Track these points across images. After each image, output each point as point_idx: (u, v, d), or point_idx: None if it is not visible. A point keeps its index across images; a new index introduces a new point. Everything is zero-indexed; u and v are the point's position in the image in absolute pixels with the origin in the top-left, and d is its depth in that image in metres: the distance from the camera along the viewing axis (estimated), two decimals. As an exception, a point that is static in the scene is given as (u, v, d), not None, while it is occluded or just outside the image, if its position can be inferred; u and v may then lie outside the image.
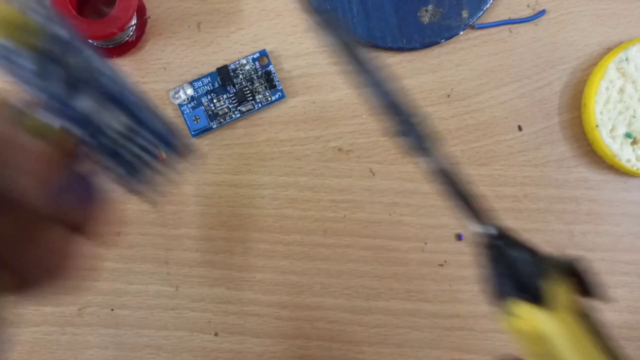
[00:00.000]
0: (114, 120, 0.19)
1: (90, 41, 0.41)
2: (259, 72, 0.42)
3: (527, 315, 0.21)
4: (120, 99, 0.19)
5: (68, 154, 0.19)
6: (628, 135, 0.41)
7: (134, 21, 0.40)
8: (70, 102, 0.19)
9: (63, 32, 0.19)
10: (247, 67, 0.42)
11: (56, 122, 0.19)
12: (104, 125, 0.19)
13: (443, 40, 0.42)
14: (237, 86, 0.42)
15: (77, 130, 0.19)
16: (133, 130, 0.19)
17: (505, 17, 0.43)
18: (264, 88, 0.42)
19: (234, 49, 0.42)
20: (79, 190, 0.20)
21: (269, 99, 0.42)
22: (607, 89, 0.41)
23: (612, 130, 0.41)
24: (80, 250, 0.20)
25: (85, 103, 0.19)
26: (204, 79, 0.42)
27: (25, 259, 0.18)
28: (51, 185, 0.19)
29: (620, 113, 0.42)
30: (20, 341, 0.41)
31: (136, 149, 0.19)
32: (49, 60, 0.18)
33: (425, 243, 0.42)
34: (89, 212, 0.21)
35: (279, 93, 0.42)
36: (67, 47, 0.19)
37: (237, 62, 0.42)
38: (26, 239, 0.19)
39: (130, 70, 0.42)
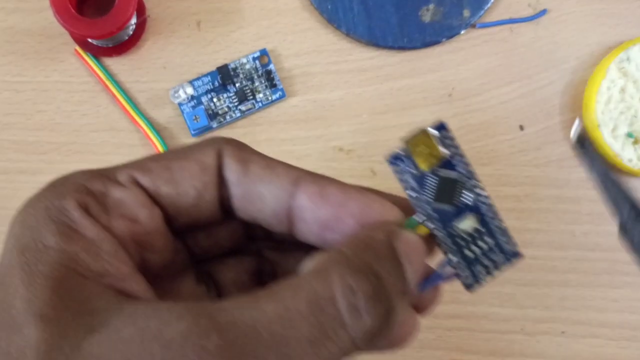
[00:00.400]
0: (467, 224, 0.22)
1: (89, 40, 0.41)
2: (260, 71, 0.42)
3: None
4: (477, 208, 0.22)
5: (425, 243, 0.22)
6: (629, 135, 0.41)
7: (133, 20, 0.40)
8: (453, 221, 0.22)
9: (461, 169, 0.22)
10: (248, 66, 0.42)
11: (420, 217, 0.22)
12: (456, 227, 0.22)
13: (444, 40, 0.42)
14: (237, 85, 0.42)
15: (430, 224, 0.22)
16: (479, 233, 0.22)
17: (506, 16, 0.43)
18: (264, 87, 0.42)
19: (234, 47, 0.42)
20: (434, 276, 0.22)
21: (270, 98, 0.42)
22: (608, 88, 0.41)
23: (613, 130, 0.41)
24: (418, 324, 0.22)
25: (467, 224, 0.22)
26: (204, 78, 0.42)
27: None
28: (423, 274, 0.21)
29: (621, 113, 0.41)
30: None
31: (475, 248, 0.22)
32: (446, 185, 0.22)
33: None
34: (434, 293, 0.23)
35: (279, 92, 0.42)
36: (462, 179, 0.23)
37: (238, 61, 0.42)
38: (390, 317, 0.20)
39: (130, 69, 0.42)
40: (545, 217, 0.42)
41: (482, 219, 0.22)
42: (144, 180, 0.21)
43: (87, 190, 0.20)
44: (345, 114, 0.42)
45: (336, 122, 0.42)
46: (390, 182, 0.42)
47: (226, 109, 0.42)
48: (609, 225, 0.42)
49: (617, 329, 0.42)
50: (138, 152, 0.42)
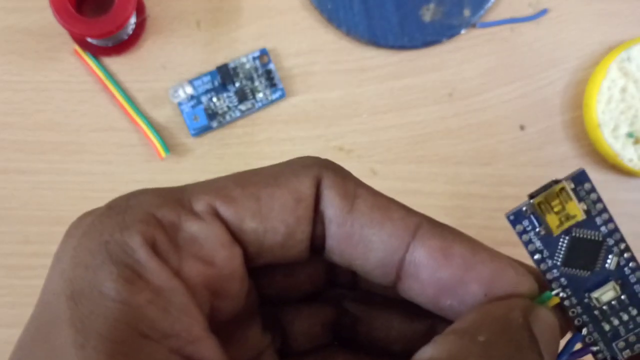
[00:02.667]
0: (608, 295, 0.19)
1: (89, 39, 0.41)
2: (259, 71, 0.42)
3: None
4: (621, 274, 0.19)
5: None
6: (630, 134, 0.41)
7: (133, 19, 0.40)
8: (590, 290, 0.19)
9: (602, 226, 0.19)
10: (247, 66, 0.42)
11: (556, 291, 0.19)
12: (594, 298, 0.19)
13: (444, 39, 0.42)
14: (237, 85, 0.42)
15: (564, 295, 0.19)
16: (620, 302, 0.19)
17: (507, 16, 0.43)
18: (264, 87, 0.42)
19: (234, 47, 0.42)
20: None
21: (269, 97, 0.42)
22: (608, 88, 0.41)
23: (614, 130, 0.41)
24: None
25: (607, 294, 0.19)
26: (203, 77, 0.41)
27: None
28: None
29: (622, 112, 0.41)
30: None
31: (615, 320, 0.19)
32: (582, 247, 0.19)
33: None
34: None
35: (279, 92, 0.42)
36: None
37: (237, 61, 0.42)
38: None
39: (130, 68, 0.42)
40: (545, 217, 0.42)
41: (625, 286, 0.19)
42: (227, 212, 0.17)
43: (156, 221, 0.16)
44: (345, 113, 0.42)
45: (336, 122, 0.42)
46: (391, 183, 0.42)
47: (226, 109, 0.42)
48: (609, 225, 0.42)
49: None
50: (137, 152, 0.41)
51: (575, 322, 0.19)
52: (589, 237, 0.19)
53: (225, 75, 0.41)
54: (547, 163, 0.42)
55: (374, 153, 0.42)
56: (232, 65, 0.42)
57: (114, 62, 0.42)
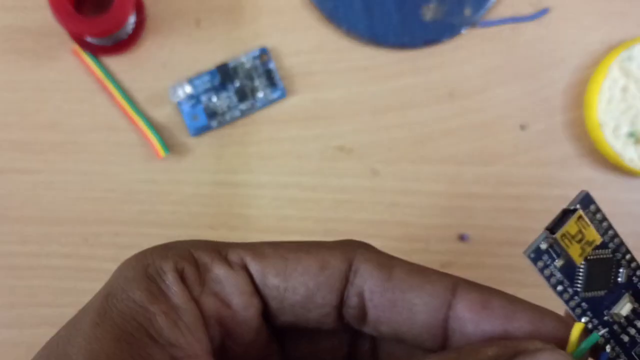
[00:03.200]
0: (626, 308, 0.19)
1: (88, 39, 0.41)
2: (259, 70, 0.42)
3: None
4: (633, 284, 0.19)
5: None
6: (631, 134, 0.41)
7: (132, 18, 0.40)
8: (609, 307, 0.19)
9: (610, 243, 0.19)
10: (247, 65, 0.42)
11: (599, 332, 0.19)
12: (614, 314, 0.19)
13: (445, 38, 0.42)
14: (237, 84, 0.41)
15: (585, 316, 0.19)
16: (635, 312, 0.19)
17: (508, 15, 0.43)
18: (264, 86, 0.42)
19: (233, 46, 0.42)
20: None
21: (270, 97, 0.42)
22: (609, 88, 0.41)
23: (614, 129, 0.41)
24: None
25: (626, 308, 0.19)
26: (203, 76, 0.41)
27: None
28: None
29: (623, 112, 0.41)
30: (18, 343, 0.41)
31: (632, 330, 0.19)
32: (598, 268, 0.19)
33: (428, 243, 0.42)
34: None
35: (279, 91, 0.42)
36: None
37: (237, 60, 0.42)
38: None
39: (129, 68, 0.42)
40: (547, 217, 0.42)
41: (637, 296, 0.19)
42: (254, 266, 0.19)
43: (191, 258, 0.19)
44: (345, 113, 0.42)
45: (337, 121, 0.42)
46: (392, 183, 0.42)
47: (226, 108, 0.42)
48: (610, 225, 0.42)
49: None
50: (137, 152, 0.41)
51: (604, 343, 0.19)
52: (601, 256, 0.19)
53: (225, 75, 0.41)
54: (548, 163, 0.42)
55: (374, 153, 0.42)
56: (232, 64, 0.41)
57: (113, 62, 0.42)
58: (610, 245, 0.19)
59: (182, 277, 0.19)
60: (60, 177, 0.41)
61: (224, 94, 0.41)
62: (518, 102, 0.42)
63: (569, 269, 0.19)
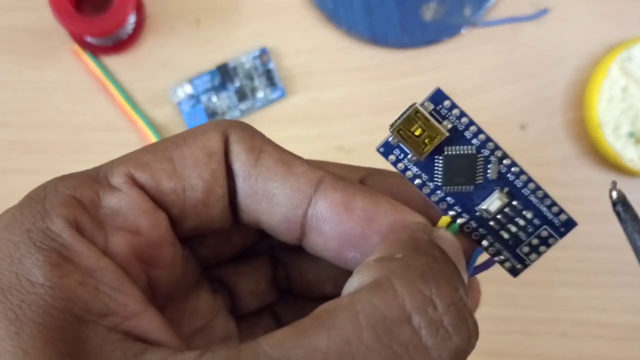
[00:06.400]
0: (495, 204, 0.19)
1: (88, 38, 0.41)
2: (259, 70, 0.42)
3: None
4: (505, 180, 0.19)
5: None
6: (631, 134, 0.41)
7: (132, 18, 0.40)
8: (478, 203, 0.19)
9: (472, 139, 0.19)
10: (247, 65, 0.42)
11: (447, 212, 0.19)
12: (483, 210, 0.19)
13: (445, 38, 0.42)
14: (237, 84, 0.41)
15: (451, 210, 0.19)
16: (513, 208, 0.19)
17: (507, 15, 0.43)
18: (264, 86, 0.42)
19: (233, 46, 0.42)
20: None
21: (269, 97, 0.42)
22: (609, 87, 0.41)
23: (614, 129, 0.41)
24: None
25: (495, 203, 0.19)
26: (203, 76, 0.41)
27: None
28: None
29: (623, 112, 0.41)
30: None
31: (513, 227, 0.19)
32: (457, 163, 0.18)
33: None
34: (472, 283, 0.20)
35: (279, 91, 0.42)
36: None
37: (237, 60, 0.42)
38: None
39: (129, 68, 0.42)
40: (546, 217, 0.42)
41: (513, 191, 0.19)
42: (142, 178, 0.17)
43: (75, 201, 0.16)
44: (345, 112, 0.42)
45: (337, 121, 0.42)
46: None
47: (226, 108, 0.41)
48: (611, 225, 0.42)
49: (619, 329, 0.41)
50: (137, 152, 0.41)
51: (473, 237, 0.19)
52: (462, 152, 0.19)
53: (225, 75, 0.41)
54: (548, 163, 0.42)
55: (374, 153, 0.42)
56: (232, 64, 0.41)
57: (113, 62, 0.42)
58: (474, 141, 0.19)
59: (78, 229, 0.16)
60: (60, 177, 0.41)
61: (224, 94, 0.41)
62: (518, 102, 0.42)
63: (424, 164, 0.19)
